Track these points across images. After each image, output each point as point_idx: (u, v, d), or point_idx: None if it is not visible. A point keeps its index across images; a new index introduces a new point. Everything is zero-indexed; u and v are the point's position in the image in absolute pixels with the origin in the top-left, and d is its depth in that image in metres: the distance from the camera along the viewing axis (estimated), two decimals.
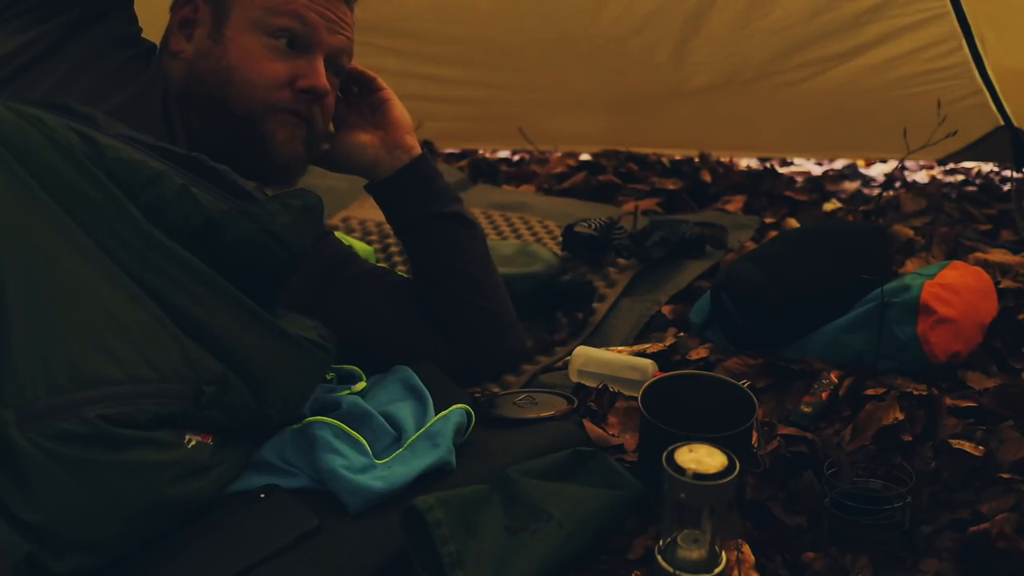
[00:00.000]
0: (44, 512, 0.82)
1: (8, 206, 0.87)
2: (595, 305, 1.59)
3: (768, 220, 2.03)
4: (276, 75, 1.16)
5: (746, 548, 0.96)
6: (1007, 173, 2.38)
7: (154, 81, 1.18)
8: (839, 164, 2.75)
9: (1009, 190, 2.21)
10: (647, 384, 1.11)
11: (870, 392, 1.24)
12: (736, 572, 0.92)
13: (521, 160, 2.82)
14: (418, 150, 1.31)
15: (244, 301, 0.96)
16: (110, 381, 0.87)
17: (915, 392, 1.21)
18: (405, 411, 1.12)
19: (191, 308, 0.93)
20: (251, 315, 0.97)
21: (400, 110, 1.33)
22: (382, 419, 1.09)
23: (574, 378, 1.33)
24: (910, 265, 1.66)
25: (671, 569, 0.89)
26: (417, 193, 1.30)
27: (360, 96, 1.34)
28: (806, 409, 1.24)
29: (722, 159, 2.63)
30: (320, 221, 1.06)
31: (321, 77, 1.18)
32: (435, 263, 1.30)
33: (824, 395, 1.25)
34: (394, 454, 1.05)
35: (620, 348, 1.42)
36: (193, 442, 0.93)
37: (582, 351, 1.34)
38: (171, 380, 0.91)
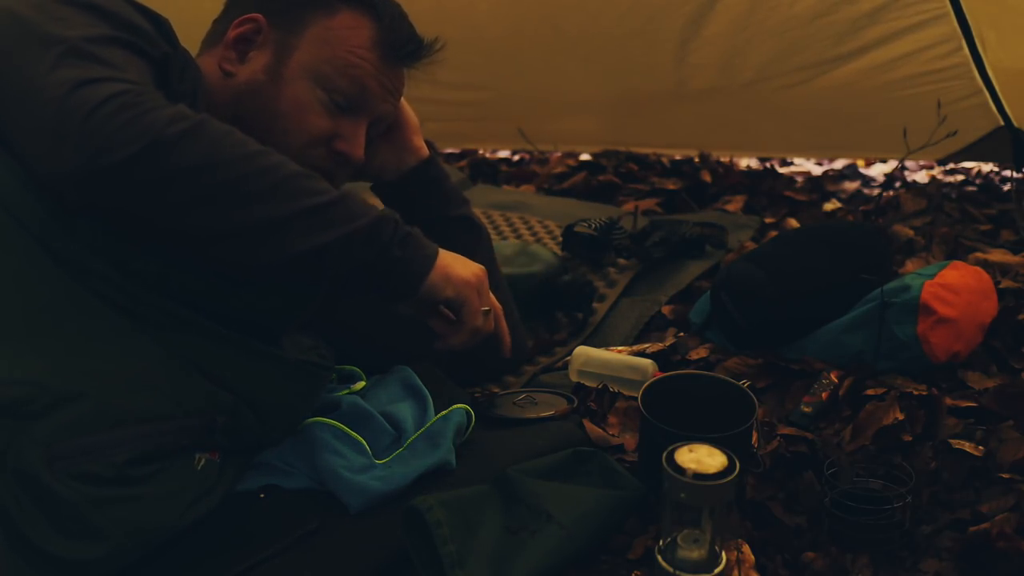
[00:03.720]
0: (69, 546, 0.83)
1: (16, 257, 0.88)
2: (595, 305, 1.59)
3: (768, 220, 2.03)
4: (318, 131, 1.12)
5: (746, 548, 0.96)
6: (1007, 173, 2.38)
7: (197, 100, 1.06)
8: (839, 164, 2.75)
9: (1009, 190, 2.21)
10: (647, 384, 1.11)
11: (870, 392, 1.24)
12: (736, 572, 0.92)
13: (521, 160, 2.83)
14: (426, 152, 1.29)
15: (240, 340, 0.96)
16: (138, 419, 0.88)
17: (915, 392, 1.21)
18: (405, 411, 1.12)
19: (190, 353, 0.93)
20: (249, 351, 0.97)
21: (408, 111, 1.31)
22: (382, 419, 1.09)
23: (574, 378, 1.33)
24: (910, 265, 1.66)
25: (671, 569, 0.88)
26: (424, 196, 1.29)
27: None
28: (806, 409, 1.24)
29: (722, 159, 2.64)
30: None
31: (359, 146, 1.15)
32: None
33: (824, 395, 1.25)
34: (394, 454, 1.05)
35: (620, 348, 1.42)
36: (202, 461, 0.95)
37: (582, 351, 1.34)
38: (192, 415, 0.93)
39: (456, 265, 1.02)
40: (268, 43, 1.13)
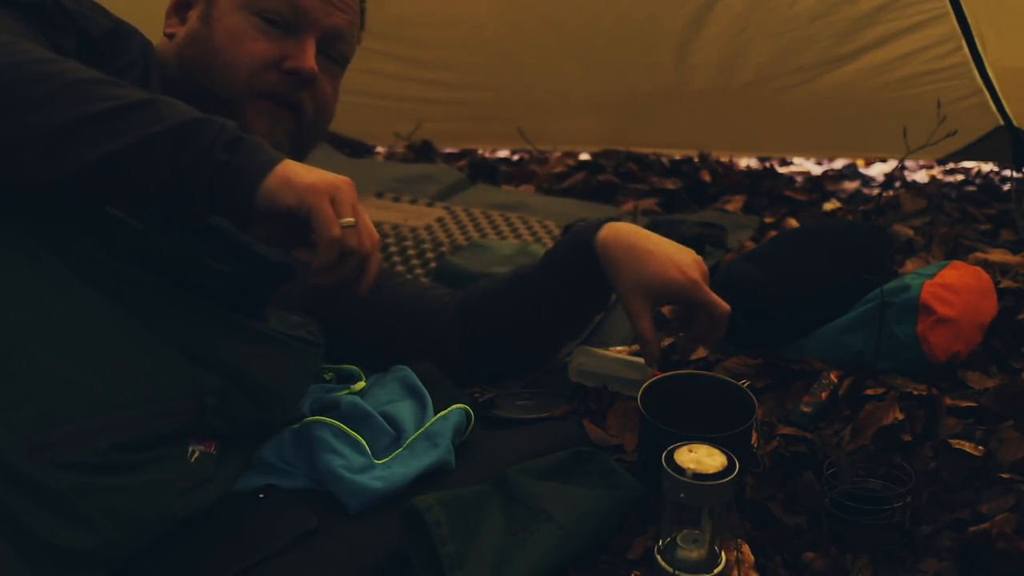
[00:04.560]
0: (59, 536, 0.82)
1: None
2: None
3: (768, 220, 2.04)
4: (260, 55, 1.10)
5: (746, 548, 0.96)
6: (1007, 173, 2.38)
7: (150, 69, 1.07)
8: (839, 164, 2.75)
9: (1009, 190, 2.21)
10: (646, 384, 1.11)
11: (870, 392, 1.24)
12: (736, 572, 0.92)
13: (521, 160, 2.83)
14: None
15: (224, 315, 0.95)
16: (120, 406, 0.87)
17: (915, 392, 1.21)
18: (404, 411, 1.12)
19: (174, 331, 0.92)
20: (234, 327, 0.96)
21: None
22: (381, 419, 1.09)
23: (574, 378, 1.33)
24: (910, 265, 1.66)
25: (671, 569, 0.89)
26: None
27: None
28: (806, 409, 1.24)
29: (722, 159, 2.64)
30: None
31: (309, 59, 1.12)
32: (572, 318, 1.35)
33: (824, 395, 1.25)
34: (393, 454, 1.05)
35: (620, 348, 1.42)
36: (196, 454, 0.94)
37: (582, 351, 1.34)
38: (178, 397, 0.92)
39: (300, 171, 0.87)
40: None
